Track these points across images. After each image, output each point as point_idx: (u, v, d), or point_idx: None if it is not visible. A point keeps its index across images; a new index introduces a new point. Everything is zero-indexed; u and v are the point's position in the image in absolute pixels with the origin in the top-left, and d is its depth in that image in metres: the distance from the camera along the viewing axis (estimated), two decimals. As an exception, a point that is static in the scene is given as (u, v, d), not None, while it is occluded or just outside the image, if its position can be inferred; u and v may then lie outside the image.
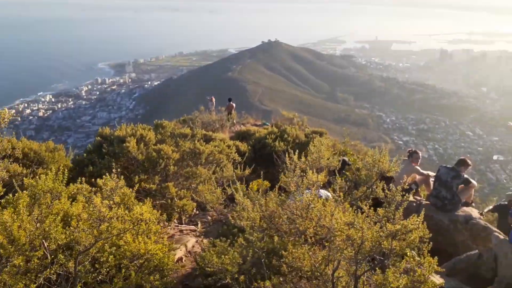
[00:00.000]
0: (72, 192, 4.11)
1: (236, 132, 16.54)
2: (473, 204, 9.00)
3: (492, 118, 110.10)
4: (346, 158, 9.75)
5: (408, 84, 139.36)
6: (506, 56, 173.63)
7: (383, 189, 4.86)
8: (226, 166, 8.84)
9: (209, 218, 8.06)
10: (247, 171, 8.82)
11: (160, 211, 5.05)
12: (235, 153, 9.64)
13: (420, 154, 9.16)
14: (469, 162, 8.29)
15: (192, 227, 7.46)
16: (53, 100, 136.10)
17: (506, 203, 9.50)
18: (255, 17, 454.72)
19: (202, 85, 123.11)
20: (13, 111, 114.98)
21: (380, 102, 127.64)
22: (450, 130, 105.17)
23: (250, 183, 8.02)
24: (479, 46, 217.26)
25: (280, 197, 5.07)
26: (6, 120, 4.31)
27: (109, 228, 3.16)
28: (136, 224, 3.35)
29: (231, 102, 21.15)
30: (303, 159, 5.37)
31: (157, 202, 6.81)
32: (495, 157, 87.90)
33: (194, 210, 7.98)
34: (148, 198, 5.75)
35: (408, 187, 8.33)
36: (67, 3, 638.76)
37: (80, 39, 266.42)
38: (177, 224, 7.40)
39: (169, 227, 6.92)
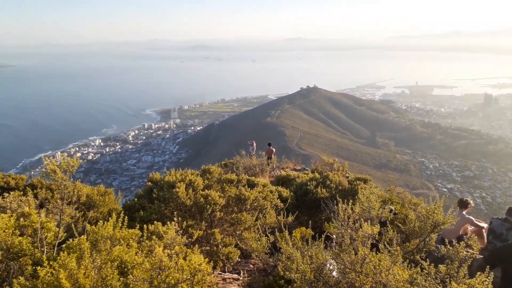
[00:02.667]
0: (127, 239, 4.17)
1: (276, 177, 16.45)
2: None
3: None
4: (392, 207, 9.38)
5: (451, 130, 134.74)
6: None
7: (438, 243, 4.57)
8: (269, 212, 8.73)
9: (252, 266, 7.88)
10: (290, 218, 8.65)
11: (206, 258, 5.01)
12: (277, 199, 9.53)
13: (472, 204, 8.64)
14: None
15: (235, 275, 7.29)
16: (102, 144, 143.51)
17: None
18: (293, 64, 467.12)
19: (242, 129, 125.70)
20: (65, 154, 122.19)
21: (422, 147, 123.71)
22: (498, 177, 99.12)
23: (293, 230, 7.85)
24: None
25: (332, 249, 4.88)
26: (74, 167, 4.56)
27: (167, 278, 3.15)
28: (194, 274, 3.31)
29: (270, 147, 21.22)
30: (356, 209, 5.21)
31: (203, 248, 6.78)
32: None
33: (237, 258, 7.84)
34: (195, 244, 5.74)
35: (465, 239, 7.81)
36: (118, 53, 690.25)
37: (130, 86, 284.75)
38: (220, 272, 7.28)
39: (212, 274, 6.82)
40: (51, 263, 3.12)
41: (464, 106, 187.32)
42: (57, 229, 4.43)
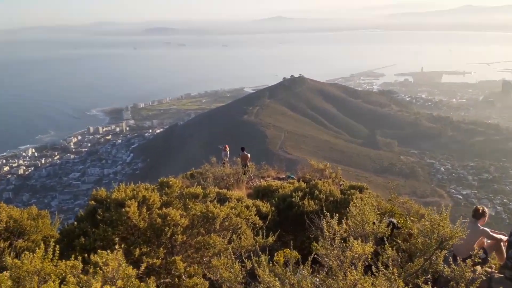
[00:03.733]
0: (63, 272, 4.07)
1: (255, 188, 16.50)
2: None
3: None
4: (394, 220, 9.53)
5: (465, 124, 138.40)
6: None
7: (446, 259, 4.67)
8: (245, 232, 8.72)
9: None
10: (271, 239, 8.66)
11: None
12: (255, 215, 9.53)
13: (487, 211, 8.87)
14: None
15: (204, 312, 7.26)
16: (36, 154, 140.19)
17: None
18: (274, 50, 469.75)
19: (213, 131, 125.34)
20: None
21: (430, 147, 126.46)
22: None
23: (275, 253, 7.86)
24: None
25: (317, 274, 4.94)
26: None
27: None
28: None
29: (244, 152, 21.21)
30: (344, 224, 5.28)
31: (162, 281, 6.70)
32: None
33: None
34: (151, 276, 5.68)
35: (479, 259, 8.02)
36: (55, 41, 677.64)
37: (71, 81, 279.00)
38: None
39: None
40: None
41: (479, 96, 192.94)
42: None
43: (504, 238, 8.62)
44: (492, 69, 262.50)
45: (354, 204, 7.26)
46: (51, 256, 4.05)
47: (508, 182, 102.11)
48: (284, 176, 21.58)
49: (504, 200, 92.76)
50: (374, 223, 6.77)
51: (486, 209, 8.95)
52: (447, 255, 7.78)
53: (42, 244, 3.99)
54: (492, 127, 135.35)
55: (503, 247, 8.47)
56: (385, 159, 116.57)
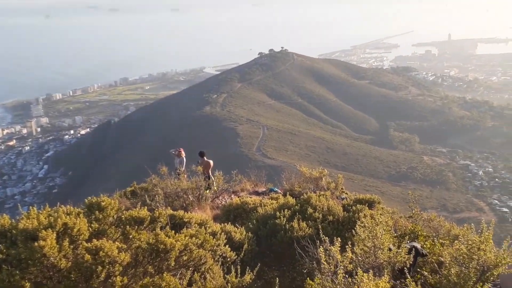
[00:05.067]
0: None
1: (224, 208, 16.51)
2: None
3: None
4: (417, 245, 9.67)
5: (511, 111, 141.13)
6: None
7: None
8: (211, 270, 8.72)
9: None
10: (248, 277, 8.66)
11: None
12: (225, 245, 9.54)
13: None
14: None
15: None
16: None
17: None
18: (244, 14, 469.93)
19: (161, 130, 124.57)
20: None
21: (465, 143, 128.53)
22: None
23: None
24: None
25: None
26: None
27: None
28: None
29: (205, 158, 21.22)
30: (349, 252, 5.30)
31: None
32: None
33: None
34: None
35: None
36: None
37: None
38: None
39: None
40: None
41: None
42: None
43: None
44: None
45: (362, 225, 7.32)
46: None
47: None
48: (264, 189, 21.64)
49: None
50: (390, 250, 6.83)
51: None
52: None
53: None
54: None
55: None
56: (402, 162, 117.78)
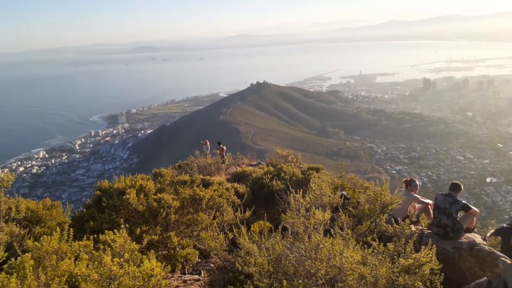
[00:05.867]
0: (77, 251, 3.95)
1: (232, 174, 16.45)
2: (475, 230, 8.87)
3: (481, 141, 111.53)
4: (345, 193, 9.69)
5: (396, 114, 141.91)
6: (487, 80, 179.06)
7: (389, 222, 4.78)
8: (226, 210, 8.70)
9: (212, 265, 7.82)
10: (248, 214, 8.67)
11: (164, 262, 4.90)
12: (234, 195, 9.52)
13: (418, 182, 9.12)
14: (461, 185, 8.31)
15: (196, 276, 7.20)
16: (46, 156, 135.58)
17: (508, 225, 9.40)
18: (242, 61, 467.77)
19: (195, 129, 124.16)
20: (6, 170, 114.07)
21: (370, 133, 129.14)
22: (441, 156, 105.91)
23: (251, 225, 7.87)
24: (459, 72, 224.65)
25: (287, 239, 4.96)
26: (9, 182, 4.25)
27: (120, 286, 3.02)
28: (147, 280, 3.21)
29: (220, 145, 21.19)
30: (306, 198, 5.31)
31: (160, 253, 6.61)
32: (488, 180, 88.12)
33: (197, 259, 7.75)
34: (150, 250, 5.60)
35: (415, 219, 8.24)
36: (58, 60, 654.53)
37: (73, 94, 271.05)
38: (180, 275, 7.15)
39: (172, 278, 6.68)
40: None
41: (405, 91, 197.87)
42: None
43: (431, 202, 8.90)
44: (415, 70, 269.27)
45: (313, 181, 7.32)
46: (66, 238, 3.92)
47: (431, 158, 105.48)
48: (255, 163, 21.58)
49: (429, 173, 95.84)
50: (329, 196, 6.88)
51: (415, 179, 9.24)
52: (388, 218, 7.99)
53: (57, 228, 3.85)
54: (416, 116, 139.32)
55: (430, 209, 8.76)
56: (334, 145, 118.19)
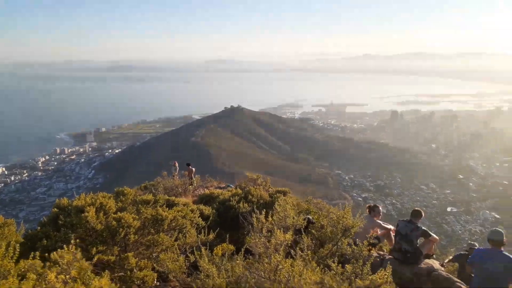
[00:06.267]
0: (22, 269, 3.69)
1: (200, 196, 16.19)
2: (434, 256, 9.08)
3: (443, 172, 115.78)
4: (310, 217, 9.72)
5: (364, 144, 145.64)
6: (451, 115, 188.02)
7: (349, 245, 4.80)
8: (190, 231, 8.49)
9: (171, 288, 7.55)
10: (211, 236, 8.48)
11: (118, 284, 4.68)
12: (198, 217, 9.32)
13: (381, 208, 9.31)
14: (422, 212, 8.54)
15: (154, 299, 6.92)
16: (6, 172, 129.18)
17: (465, 252, 9.69)
18: (218, 85, 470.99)
19: (165, 150, 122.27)
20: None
21: (338, 161, 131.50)
22: (405, 185, 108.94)
23: (215, 248, 7.70)
24: (426, 106, 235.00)
25: (247, 259, 4.87)
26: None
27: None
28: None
29: (190, 167, 21.07)
30: (269, 219, 5.27)
31: (116, 274, 6.32)
32: (448, 209, 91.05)
33: (155, 282, 7.46)
34: (106, 271, 5.35)
35: (373, 241, 8.32)
36: (29, 75, 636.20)
37: (40, 109, 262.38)
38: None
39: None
40: None
41: (374, 122, 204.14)
42: None
43: (392, 228, 9.09)
44: (384, 101, 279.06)
45: (278, 204, 7.30)
46: (11, 255, 3.67)
47: (396, 187, 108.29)
48: (224, 185, 21.44)
49: (393, 201, 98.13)
50: (293, 218, 6.87)
51: (378, 205, 9.43)
52: (350, 242, 8.07)
53: (3, 245, 3.61)
54: (383, 145, 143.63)
55: (392, 235, 8.93)
56: (304, 171, 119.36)
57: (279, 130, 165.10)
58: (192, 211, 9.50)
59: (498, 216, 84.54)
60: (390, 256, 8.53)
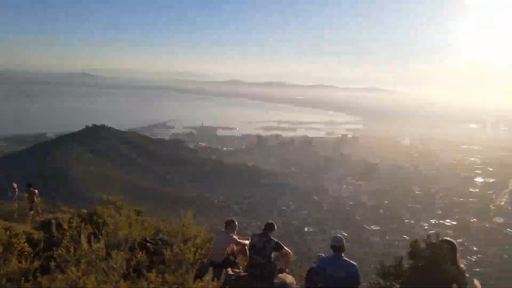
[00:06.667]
0: None
1: (41, 222, 14.26)
2: (287, 271, 9.26)
3: (303, 193, 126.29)
4: (163, 236, 9.06)
5: (233, 166, 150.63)
6: (307, 141, 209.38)
7: (207, 268, 4.30)
8: (9, 259, 7.01)
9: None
10: (36, 264, 7.13)
11: None
12: (24, 243, 7.88)
13: (237, 223, 9.12)
14: (274, 224, 8.69)
15: None
16: None
17: (314, 264, 10.18)
18: (79, 101, 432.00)
19: (16, 175, 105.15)
20: None
21: (209, 182, 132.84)
22: (269, 205, 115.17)
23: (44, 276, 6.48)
24: (286, 132, 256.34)
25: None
26: None
27: None
28: None
29: (31, 188, 18.49)
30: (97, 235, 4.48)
31: None
32: (306, 229, 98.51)
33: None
34: None
35: (231, 258, 8.04)
36: None
37: None
38: None
39: None
40: None
41: (242, 145, 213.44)
42: None
43: (247, 242, 8.92)
44: (251, 126, 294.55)
45: (111, 217, 6.51)
46: None
47: (261, 207, 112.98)
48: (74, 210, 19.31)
49: (258, 223, 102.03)
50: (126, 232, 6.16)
51: (234, 220, 9.21)
52: (206, 262, 7.61)
53: None
54: (251, 168, 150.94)
55: (247, 250, 8.75)
56: (174, 193, 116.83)
57: (150, 152, 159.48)
58: (15, 235, 7.96)
59: (346, 234, 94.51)
60: (245, 274, 8.41)
